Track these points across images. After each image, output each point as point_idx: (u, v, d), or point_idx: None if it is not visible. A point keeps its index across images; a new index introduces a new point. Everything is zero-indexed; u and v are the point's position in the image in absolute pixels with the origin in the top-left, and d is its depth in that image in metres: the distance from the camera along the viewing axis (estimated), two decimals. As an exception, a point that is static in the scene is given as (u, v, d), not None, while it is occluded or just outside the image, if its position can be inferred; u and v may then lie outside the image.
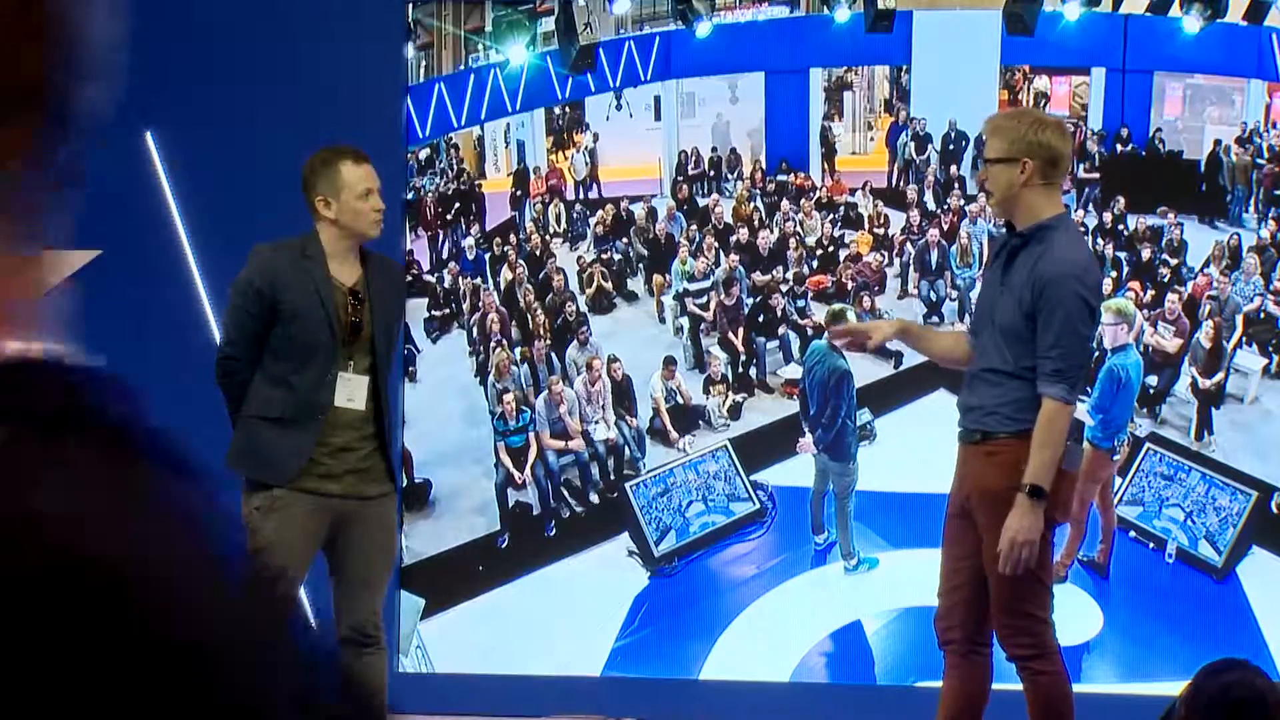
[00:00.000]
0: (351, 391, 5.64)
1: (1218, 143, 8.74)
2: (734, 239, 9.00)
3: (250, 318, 5.64)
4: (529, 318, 8.90)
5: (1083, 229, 8.84)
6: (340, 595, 5.75)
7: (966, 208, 8.95)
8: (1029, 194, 5.27)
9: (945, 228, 8.92)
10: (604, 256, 9.04)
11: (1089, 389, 8.30)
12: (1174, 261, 8.71)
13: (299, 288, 5.61)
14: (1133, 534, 8.52)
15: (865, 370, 8.65)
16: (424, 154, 8.95)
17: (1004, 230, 5.48)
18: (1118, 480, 8.54)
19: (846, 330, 5.79)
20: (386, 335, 5.72)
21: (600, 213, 9.09)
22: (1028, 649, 5.30)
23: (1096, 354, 8.42)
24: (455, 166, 9.03)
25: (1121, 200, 8.80)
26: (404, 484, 8.55)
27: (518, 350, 8.87)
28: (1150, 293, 8.68)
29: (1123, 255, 8.80)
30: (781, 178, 9.08)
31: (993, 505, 5.23)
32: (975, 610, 5.40)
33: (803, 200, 9.04)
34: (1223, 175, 8.72)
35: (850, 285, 8.92)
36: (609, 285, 9.03)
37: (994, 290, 5.36)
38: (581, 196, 9.10)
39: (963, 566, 5.39)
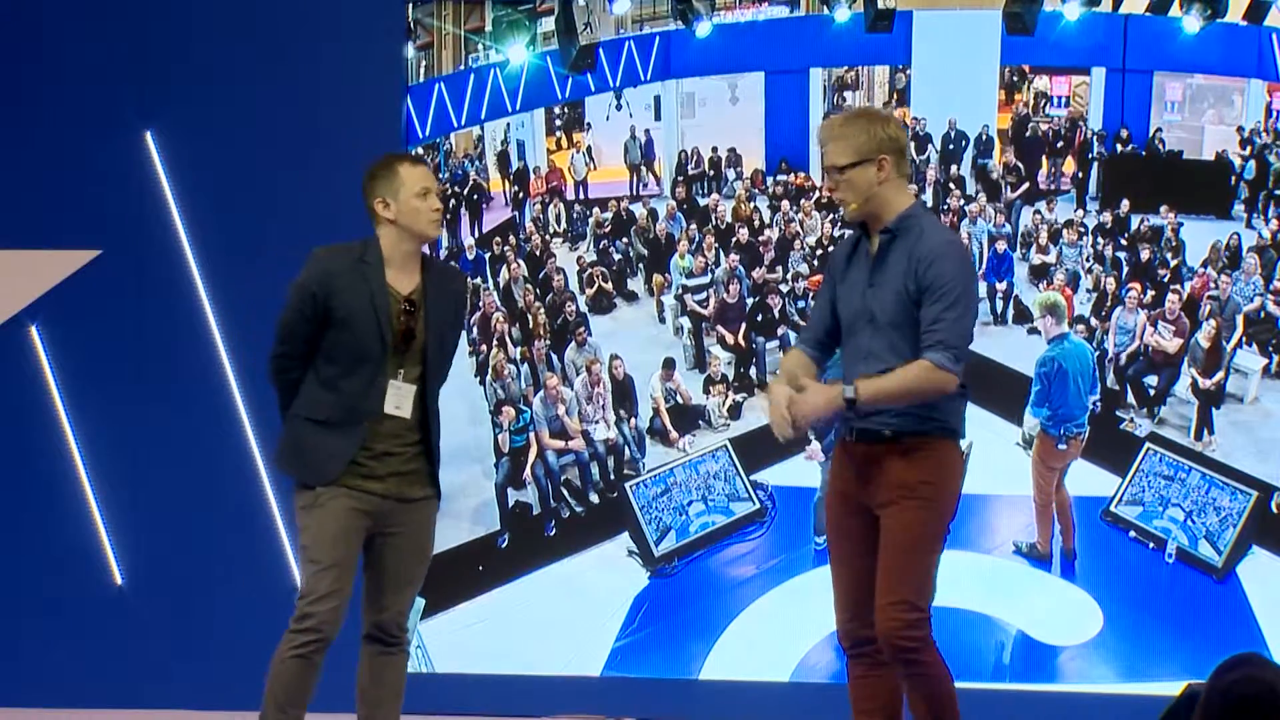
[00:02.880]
0: (400, 399, 5.61)
1: (1267, 148, 8.74)
2: (734, 239, 9.01)
3: (303, 320, 5.59)
4: (529, 318, 8.90)
5: (1082, 229, 8.86)
6: (369, 592, 5.75)
7: (966, 207, 8.95)
8: (886, 190, 5.21)
9: (945, 228, 8.92)
10: (602, 248, 9.05)
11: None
12: (1174, 261, 8.72)
13: (353, 293, 5.57)
14: (1133, 534, 8.53)
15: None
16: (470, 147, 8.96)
17: (851, 232, 5.35)
18: (1118, 480, 8.56)
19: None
20: (440, 345, 5.67)
21: (596, 211, 9.10)
22: (917, 641, 5.17)
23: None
24: (475, 163, 9.03)
25: (1126, 203, 8.81)
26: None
27: (518, 350, 8.87)
28: (1150, 293, 8.69)
29: (1123, 255, 8.81)
30: (782, 178, 9.08)
31: (905, 493, 5.13)
32: None
33: (803, 200, 9.05)
34: (1269, 178, 8.71)
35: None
36: (609, 285, 9.03)
37: (861, 291, 5.24)
38: (635, 192, 9.13)
39: (865, 568, 5.24)
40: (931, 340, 5.09)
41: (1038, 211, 8.99)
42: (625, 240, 9.10)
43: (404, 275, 5.63)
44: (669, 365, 8.87)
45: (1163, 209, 8.79)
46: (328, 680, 5.74)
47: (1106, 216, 8.85)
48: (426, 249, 5.82)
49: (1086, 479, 8.58)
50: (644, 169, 9.23)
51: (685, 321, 8.96)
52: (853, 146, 5.22)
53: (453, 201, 8.97)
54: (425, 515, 5.73)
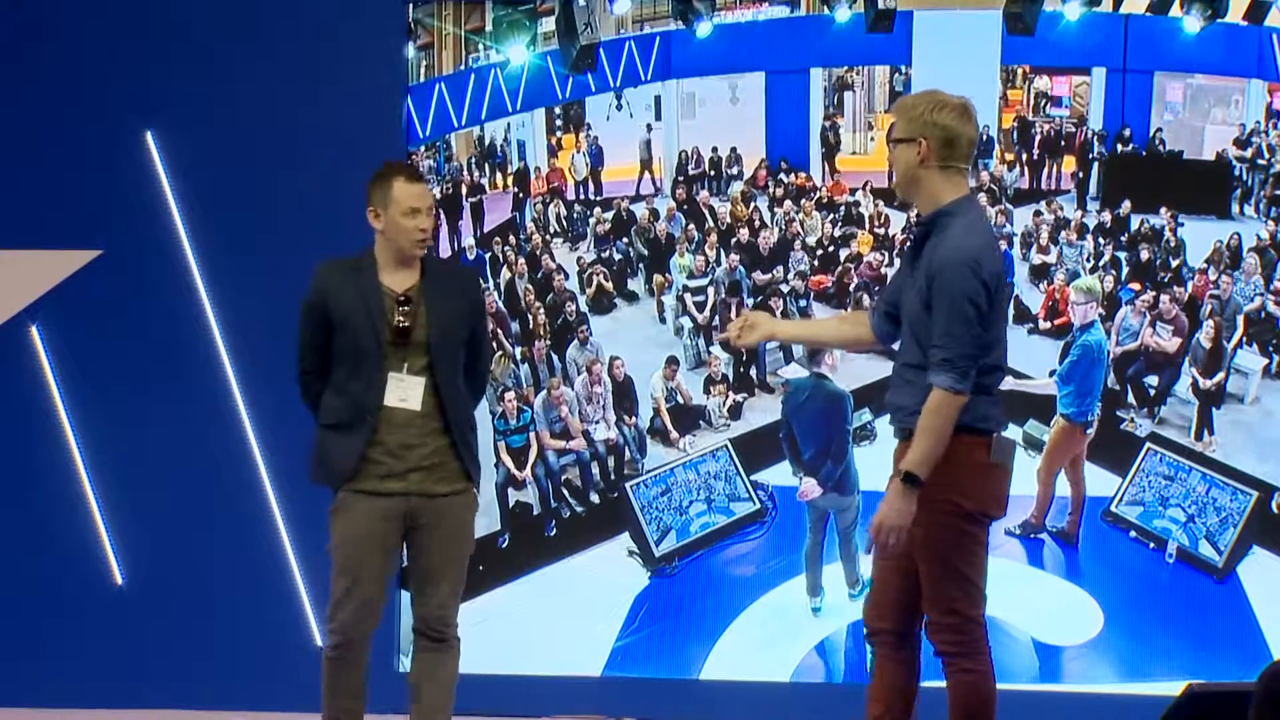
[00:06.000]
0: (405, 392, 5.75)
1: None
2: (734, 239, 9.01)
3: (310, 332, 5.80)
4: (529, 318, 8.90)
5: (1083, 228, 8.85)
6: (411, 587, 5.89)
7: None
8: (927, 176, 5.17)
9: (945, 228, 8.90)
10: (603, 254, 9.05)
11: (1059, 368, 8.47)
12: (1175, 262, 8.72)
13: (347, 296, 5.73)
14: (1133, 534, 8.53)
15: (865, 370, 8.64)
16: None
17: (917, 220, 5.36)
18: (1118, 480, 8.56)
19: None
20: (446, 337, 5.76)
21: (597, 211, 9.10)
22: (954, 646, 5.20)
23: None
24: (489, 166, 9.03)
25: (1128, 203, 8.81)
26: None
27: (518, 350, 8.87)
28: (1151, 293, 8.69)
29: (1122, 255, 8.80)
30: (782, 178, 9.08)
31: (924, 497, 5.10)
32: (906, 603, 5.29)
33: (803, 200, 9.05)
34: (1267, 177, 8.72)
35: (850, 285, 8.92)
36: (609, 285, 9.03)
37: (907, 282, 5.24)
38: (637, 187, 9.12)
39: (894, 566, 5.25)
40: (935, 358, 5.05)
41: (1038, 212, 8.99)
42: (625, 240, 9.10)
43: (399, 275, 5.77)
44: (672, 363, 8.87)
45: (1163, 209, 8.79)
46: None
47: (1106, 216, 8.85)
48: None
49: (1087, 479, 8.57)
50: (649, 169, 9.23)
51: (685, 321, 8.96)
52: (903, 122, 5.22)
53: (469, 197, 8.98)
54: (455, 510, 5.89)
